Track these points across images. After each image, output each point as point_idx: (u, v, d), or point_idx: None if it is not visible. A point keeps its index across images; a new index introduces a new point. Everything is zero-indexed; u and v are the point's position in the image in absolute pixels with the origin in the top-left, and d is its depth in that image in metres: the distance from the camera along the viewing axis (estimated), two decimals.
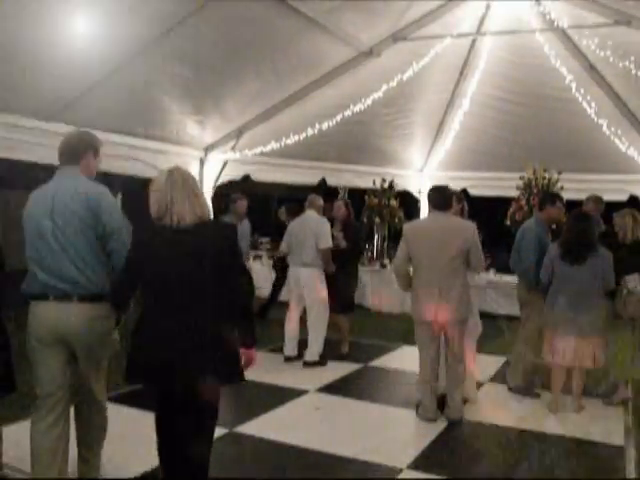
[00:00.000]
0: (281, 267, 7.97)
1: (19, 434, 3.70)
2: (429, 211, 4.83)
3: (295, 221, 6.37)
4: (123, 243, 3.01)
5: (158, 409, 2.92)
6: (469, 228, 4.61)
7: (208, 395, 2.77)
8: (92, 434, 3.23)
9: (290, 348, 6.30)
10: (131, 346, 2.79)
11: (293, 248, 6.25)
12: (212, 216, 3.06)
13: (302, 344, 6.34)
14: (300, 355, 6.29)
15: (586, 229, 4.71)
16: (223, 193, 6.76)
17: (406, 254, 4.67)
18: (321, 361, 6.18)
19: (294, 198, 8.08)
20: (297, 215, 6.70)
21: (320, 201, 6.39)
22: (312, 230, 6.11)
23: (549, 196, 5.75)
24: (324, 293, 6.19)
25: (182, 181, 2.79)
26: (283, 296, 9.33)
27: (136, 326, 2.79)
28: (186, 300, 2.70)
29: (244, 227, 7.20)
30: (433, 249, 4.54)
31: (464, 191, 8.84)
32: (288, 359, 6.28)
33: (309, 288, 6.16)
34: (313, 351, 6.17)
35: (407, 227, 4.86)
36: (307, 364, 6.13)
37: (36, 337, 3.04)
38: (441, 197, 4.69)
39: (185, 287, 2.70)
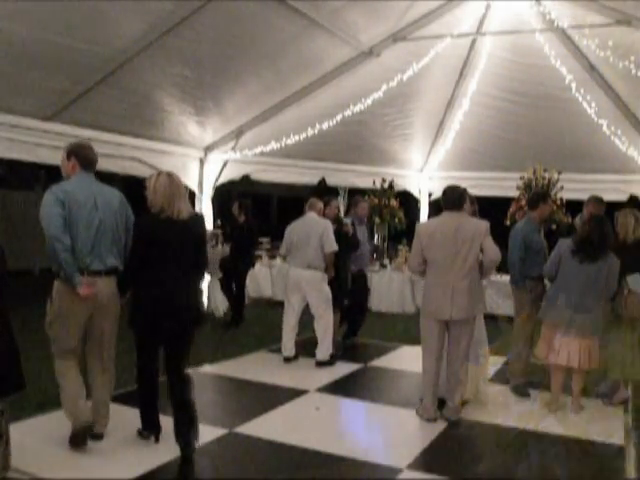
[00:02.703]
0: (226, 269, 8.03)
1: (22, 434, 3.71)
2: (443, 211, 4.80)
3: (295, 223, 6.35)
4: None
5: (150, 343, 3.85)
6: (482, 225, 4.63)
7: (192, 330, 3.87)
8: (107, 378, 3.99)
9: (289, 349, 6.30)
10: (139, 298, 3.74)
11: (293, 250, 6.24)
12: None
13: (298, 345, 6.36)
14: (297, 356, 6.32)
15: (608, 233, 4.80)
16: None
17: (420, 254, 4.67)
18: (331, 360, 6.19)
19: (294, 198, 8.08)
20: (243, 209, 7.63)
21: (320, 204, 6.43)
22: (317, 232, 6.09)
23: (541, 194, 5.80)
24: (328, 294, 6.20)
25: (178, 182, 3.77)
26: (281, 296, 9.39)
27: (142, 286, 3.72)
28: (182, 267, 3.74)
29: (362, 229, 7.10)
30: (447, 248, 4.54)
31: None
32: (287, 360, 6.29)
33: (313, 290, 6.15)
34: (324, 351, 6.17)
35: (421, 226, 4.85)
36: (319, 364, 6.13)
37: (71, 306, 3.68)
38: (453, 196, 4.68)
39: (181, 259, 3.72)
